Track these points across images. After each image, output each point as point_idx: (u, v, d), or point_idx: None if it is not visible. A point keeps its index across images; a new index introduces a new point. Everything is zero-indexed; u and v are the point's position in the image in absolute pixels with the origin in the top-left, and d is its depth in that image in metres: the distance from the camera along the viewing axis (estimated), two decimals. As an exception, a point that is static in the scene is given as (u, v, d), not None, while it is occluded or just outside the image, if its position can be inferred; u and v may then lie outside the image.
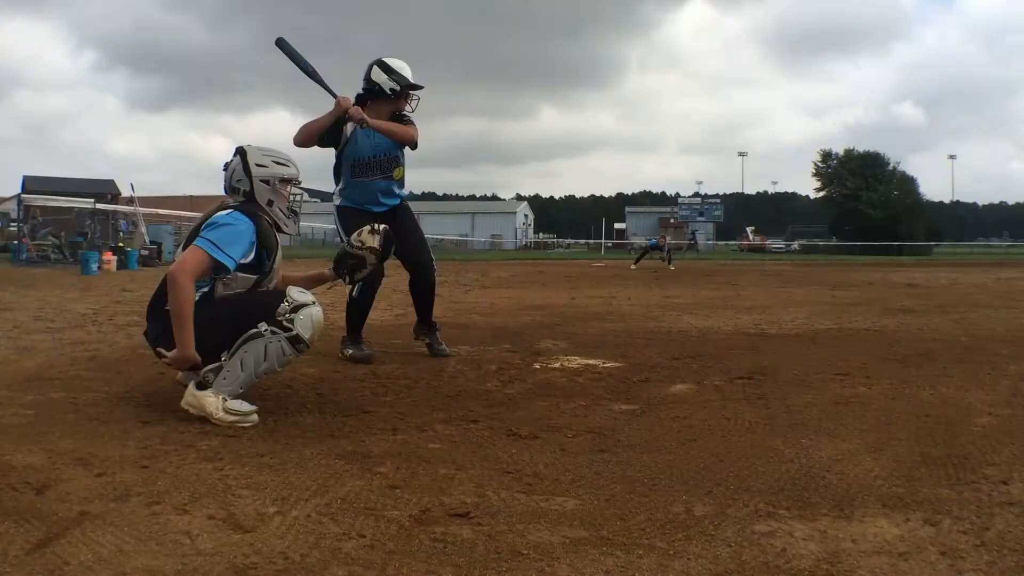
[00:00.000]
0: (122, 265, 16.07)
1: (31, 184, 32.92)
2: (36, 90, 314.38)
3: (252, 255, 3.19)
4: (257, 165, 3.30)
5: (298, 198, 3.44)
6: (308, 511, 2.08)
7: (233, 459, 2.54)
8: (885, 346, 5.26)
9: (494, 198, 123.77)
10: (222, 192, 3.43)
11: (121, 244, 18.25)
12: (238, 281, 3.18)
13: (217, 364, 3.06)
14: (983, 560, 1.79)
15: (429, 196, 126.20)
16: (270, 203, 3.31)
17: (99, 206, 20.72)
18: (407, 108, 4.56)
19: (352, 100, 4.32)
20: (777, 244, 65.96)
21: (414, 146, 4.61)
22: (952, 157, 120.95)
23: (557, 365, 4.46)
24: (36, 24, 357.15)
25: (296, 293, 3.11)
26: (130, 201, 22.38)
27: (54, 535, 1.89)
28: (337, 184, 4.67)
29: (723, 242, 71.32)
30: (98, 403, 3.33)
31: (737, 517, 2.06)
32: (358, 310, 4.68)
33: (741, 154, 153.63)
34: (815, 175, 68.08)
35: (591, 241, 65.65)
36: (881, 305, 8.79)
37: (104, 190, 32.03)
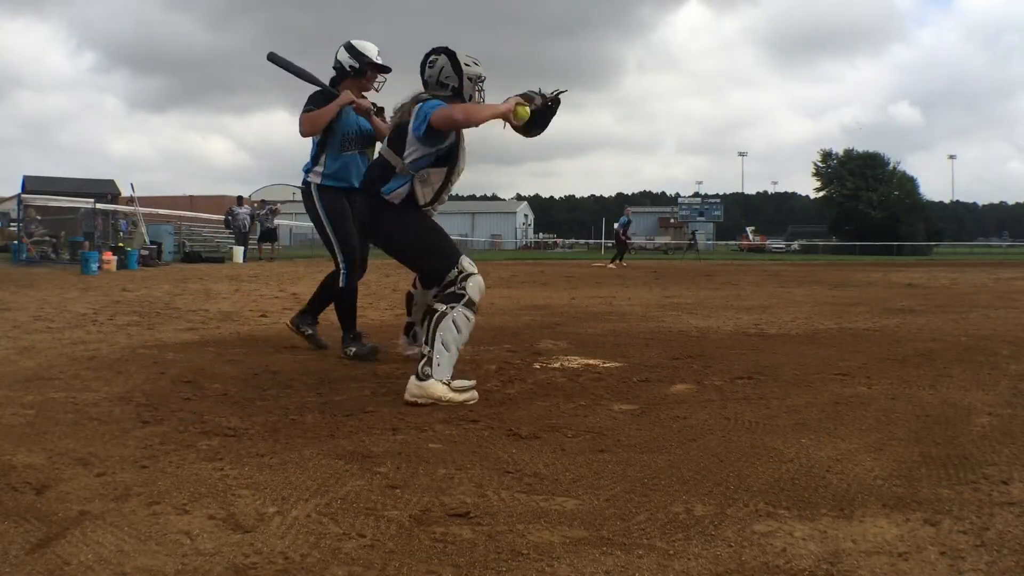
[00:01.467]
0: (122, 265, 16.04)
1: (31, 184, 32.90)
2: (36, 91, 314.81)
3: (450, 139, 3.61)
4: (465, 64, 3.66)
5: (483, 96, 3.75)
6: (308, 511, 2.08)
7: (233, 459, 2.54)
8: (885, 346, 5.26)
9: (494, 198, 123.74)
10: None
11: (121, 244, 18.22)
12: (432, 177, 3.63)
13: (425, 357, 3.37)
14: (983, 560, 1.79)
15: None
16: (470, 98, 3.68)
17: (99, 206, 20.69)
18: (372, 88, 4.78)
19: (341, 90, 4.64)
20: (777, 244, 65.89)
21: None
22: (952, 157, 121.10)
23: (557, 365, 4.46)
24: (36, 25, 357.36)
25: (467, 263, 3.56)
26: (130, 201, 22.35)
27: (54, 535, 1.89)
28: (315, 163, 4.73)
29: (723, 242, 71.28)
30: (98, 403, 3.33)
31: (737, 517, 2.06)
32: (348, 300, 4.74)
33: (741, 154, 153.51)
34: (815, 175, 68.04)
35: (591, 241, 65.61)
36: (881, 305, 8.79)
37: (104, 190, 32.02)
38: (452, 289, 3.49)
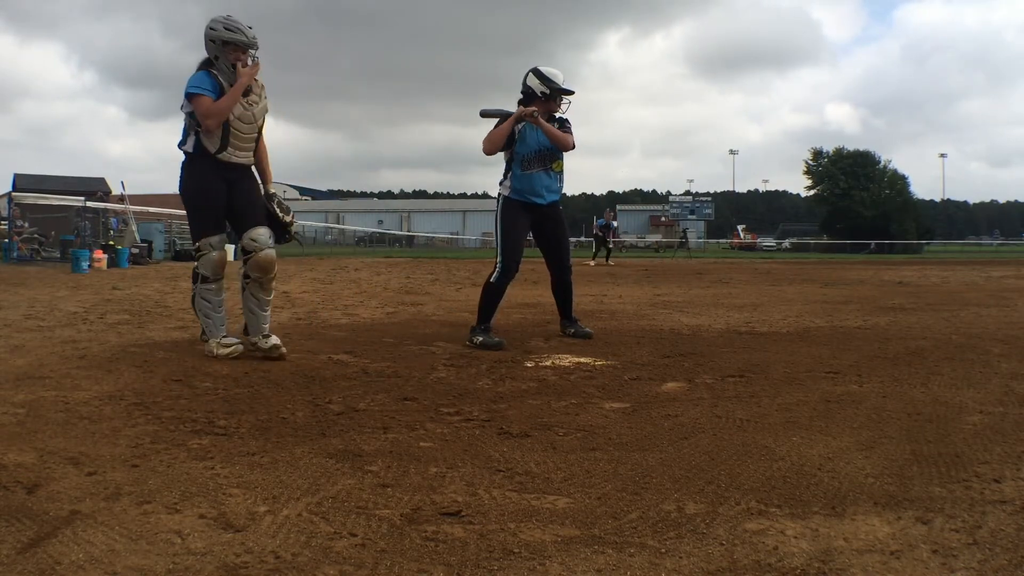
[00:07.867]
0: (112, 263, 15.96)
1: (21, 182, 32.66)
2: (40, 101, 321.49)
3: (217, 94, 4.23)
4: (210, 28, 4.26)
5: (251, 60, 4.32)
6: (299, 510, 2.08)
7: (224, 458, 2.53)
8: (876, 344, 5.27)
9: (484, 196, 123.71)
10: None
11: (112, 242, 18.11)
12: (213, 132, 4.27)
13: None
14: (975, 559, 1.79)
15: (420, 194, 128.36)
16: (216, 59, 4.27)
17: (89, 204, 20.54)
18: (559, 110, 5.32)
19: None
20: (767, 242, 66.12)
21: (568, 149, 5.37)
22: (943, 155, 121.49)
23: (548, 363, 4.46)
24: (48, 45, 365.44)
25: (215, 240, 4.36)
26: (121, 199, 22.22)
27: (45, 534, 1.88)
28: (504, 178, 5.35)
29: (714, 240, 71.44)
30: (89, 402, 3.31)
31: (729, 515, 2.06)
32: (493, 296, 5.19)
33: (732, 152, 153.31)
34: (806, 173, 68.16)
35: (583, 239, 65.58)
36: (872, 303, 8.81)
37: (94, 188, 31.80)
38: (195, 267, 4.42)
